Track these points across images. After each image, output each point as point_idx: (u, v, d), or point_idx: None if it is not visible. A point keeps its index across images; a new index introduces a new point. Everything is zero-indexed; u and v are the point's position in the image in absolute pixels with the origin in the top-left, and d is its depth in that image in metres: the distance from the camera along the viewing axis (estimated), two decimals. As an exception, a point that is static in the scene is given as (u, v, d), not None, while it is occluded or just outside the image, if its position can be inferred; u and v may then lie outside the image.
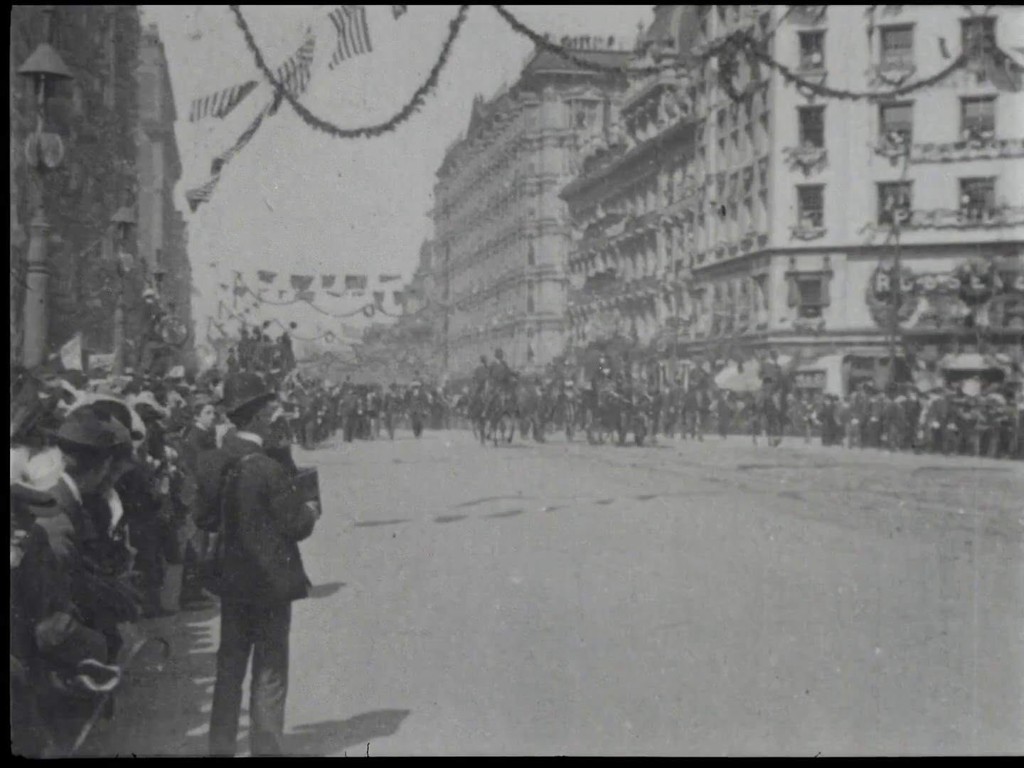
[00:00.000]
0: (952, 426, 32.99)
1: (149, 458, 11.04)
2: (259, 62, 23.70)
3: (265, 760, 7.13)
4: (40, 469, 6.16)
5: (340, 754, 7.47)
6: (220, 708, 7.06)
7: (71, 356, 16.14)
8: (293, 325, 40.66)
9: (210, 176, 27.46)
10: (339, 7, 23.91)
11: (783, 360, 43.40)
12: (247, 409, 7.16)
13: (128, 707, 7.78)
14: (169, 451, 12.23)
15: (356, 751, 7.50)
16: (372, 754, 7.41)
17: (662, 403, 37.78)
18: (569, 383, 38.91)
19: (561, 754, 7.46)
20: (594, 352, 37.58)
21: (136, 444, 9.23)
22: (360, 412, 39.73)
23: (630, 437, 34.95)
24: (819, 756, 7.22)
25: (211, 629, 10.08)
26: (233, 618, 7.06)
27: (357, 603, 11.72)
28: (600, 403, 35.33)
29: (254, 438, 7.15)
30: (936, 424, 33.65)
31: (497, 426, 35.89)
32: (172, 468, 12.23)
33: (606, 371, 35.66)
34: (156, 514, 11.20)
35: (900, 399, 35.52)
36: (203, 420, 12.73)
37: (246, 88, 23.79)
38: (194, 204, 29.43)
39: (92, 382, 13.32)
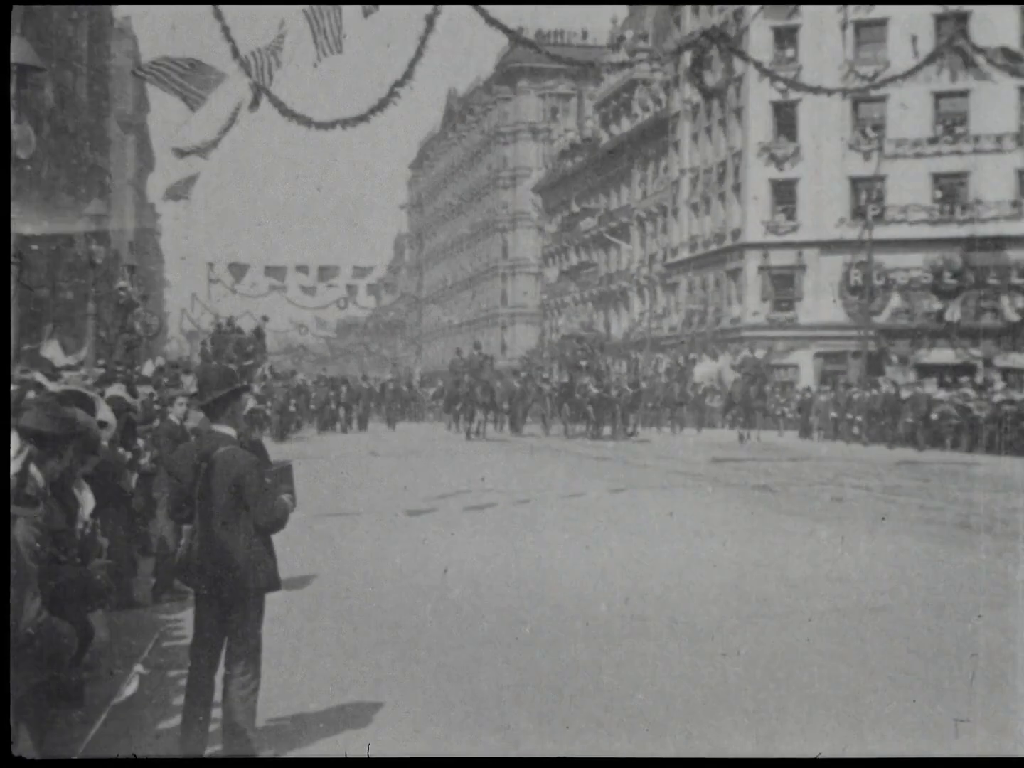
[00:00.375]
0: (935, 415, 33.12)
1: (121, 450, 11.00)
2: (235, 54, 23.55)
3: (266, 760, 7.13)
4: (2, 459, 6.11)
5: (313, 748, 7.44)
6: (192, 701, 7.03)
7: (50, 350, 16.11)
8: (265, 319, 40.50)
9: (180, 169, 27.31)
10: (311, 6, 23.79)
11: (759, 354, 43.54)
12: (221, 401, 7.14)
13: (101, 699, 7.74)
14: (141, 443, 12.19)
15: (329, 745, 7.48)
16: (349, 751, 7.38)
17: (642, 396, 37.72)
18: (545, 375, 38.89)
19: (535, 752, 7.45)
20: (568, 345, 37.51)
21: (106, 435, 9.18)
22: (333, 405, 39.71)
23: (607, 431, 34.95)
24: (819, 757, 7.22)
25: (184, 622, 10.05)
26: (206, 610, 7.03)
27: (330, 596, 11.70)
28: (578, 396, 35.30)
29: (228, 430, 7.13)
30: (910, 419, 33.81)
31: (474, 419, 35.84)
32: (144, 460, 12.20)
33: (583, 363, 35.61)
34: (128, 506, 11.17)
35: (874, 392, 35.67)
36: (176, 412, 12.68)
37: (199, 66, 23.55)
38: (174, 198, 29.32)
39: (65, 375, 13.27)
